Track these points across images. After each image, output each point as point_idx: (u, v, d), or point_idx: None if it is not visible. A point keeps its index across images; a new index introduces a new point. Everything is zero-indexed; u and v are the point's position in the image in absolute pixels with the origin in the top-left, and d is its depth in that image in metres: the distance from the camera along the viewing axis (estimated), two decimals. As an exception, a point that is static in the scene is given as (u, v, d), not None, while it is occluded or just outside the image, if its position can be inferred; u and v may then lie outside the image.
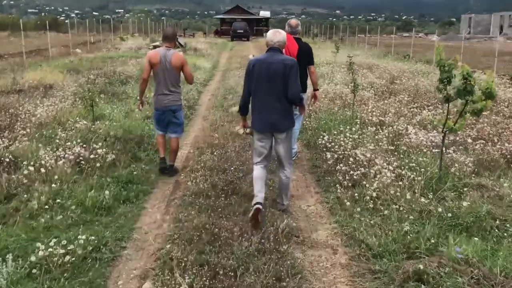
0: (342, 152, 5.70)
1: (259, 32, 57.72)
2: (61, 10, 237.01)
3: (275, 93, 4.07)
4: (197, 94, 11.39)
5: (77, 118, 7.34)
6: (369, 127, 6.74)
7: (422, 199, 4.25)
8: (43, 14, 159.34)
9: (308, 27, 50.30)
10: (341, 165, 5.27)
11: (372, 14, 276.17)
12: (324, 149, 6.03)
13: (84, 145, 5.81)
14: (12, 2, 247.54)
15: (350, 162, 5.29)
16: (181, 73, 5.59)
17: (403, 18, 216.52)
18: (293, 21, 5.78)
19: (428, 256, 3.42)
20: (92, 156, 5.51)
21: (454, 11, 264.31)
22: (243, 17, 57.06)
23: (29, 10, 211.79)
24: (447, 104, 4.75)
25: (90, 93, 7.70)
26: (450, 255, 3.29)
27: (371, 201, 4.40)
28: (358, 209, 4.34)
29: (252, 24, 55.92)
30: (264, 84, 4.09)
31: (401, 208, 4.19)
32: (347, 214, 4.34)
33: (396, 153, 5.65)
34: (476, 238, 3.62)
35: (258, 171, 4.27)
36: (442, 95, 4.57)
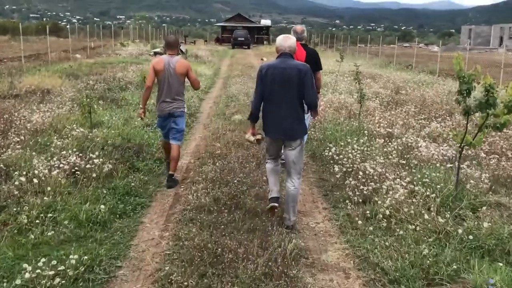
0: (351, 165, 5.44)
1: (259, 40, 57.74)
2: (62, 15, 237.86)
3: (289, 99, 3.99)
4: (199, 101, 11.15)
5: (74, 125, 7.07)
6: (377, 139, 6.49)
7: (439, 219, 3.98)
8: (44, 19, 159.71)
9: (309, 36, 50.22)
10: (350, 179, 5.00)
11: (372, 24, 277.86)
12: (331, 162, 5.76)
13: (80, 154, 5.54)
14: (14, 7, 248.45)
15: (359, 176, 5.03)
16: (186, 80, 5.49)
17: (402, 28, 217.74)
18: (299, 27, 5.67)
19: (450, 283, 3.15)
20: (88, 165, 5.24)
21: (453, 22, 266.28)
22: (244, 25, 57.06)
23: (31, 15, 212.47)
24: (465, 117, 4.47)
25: (88, 99, 7.45)
26: (475, 283, 3.01)
27: (384, 220, 4.13)
28: (371, 228, 4.07)
29: (253, 32, 55.90)
30: (277, 90, 3.99)
31: (417, 228, 3.92)
32: (358, 234, 4.06)
33: (407, 167, 5.39)
34: (500, 264, 3.34)
35: (270, 165, 4.35)
36: (461, 107, 4.30)
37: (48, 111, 8.07)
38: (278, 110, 4.03)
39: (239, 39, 46.03)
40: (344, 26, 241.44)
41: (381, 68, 19.38)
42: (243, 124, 8.24)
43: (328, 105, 8.84)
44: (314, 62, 5.35)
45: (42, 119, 7.36)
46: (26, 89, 10.62)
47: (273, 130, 4.11)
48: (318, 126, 7.59)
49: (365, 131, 6.85)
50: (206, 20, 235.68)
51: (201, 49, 31.50)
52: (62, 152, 5.53)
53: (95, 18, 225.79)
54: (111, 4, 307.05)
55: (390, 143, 6.28)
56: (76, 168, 5.17)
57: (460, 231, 3.75)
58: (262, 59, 14.02)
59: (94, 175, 5.10)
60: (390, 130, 6.99)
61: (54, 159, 5.29)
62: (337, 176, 5.27)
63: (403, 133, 6.91)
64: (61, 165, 5.09)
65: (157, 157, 6.27)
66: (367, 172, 5.12)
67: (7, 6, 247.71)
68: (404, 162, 5.47)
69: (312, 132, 7.29)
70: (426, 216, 3.95)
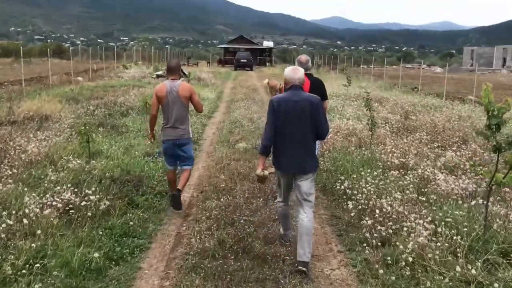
0: (365, 202, 5.06)
1: (262, 62, 57.91)
2: (66, 37, 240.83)
3: (302, 132, 3.96)
4: (201, 127, 10.84)
5: (71, 155, 6.74)
6: (391, 171, 6.12)
7: (470, 268, 3.58)
8: (48, 40, 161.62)
9: (312, 58, 50.30)
10: (366, 218, 4.62)
11: (373, 45, 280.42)
12: (344, 197, 5.39)
13: (76, 190, 5.18)
14: (19, 29, 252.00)
15: (376, 215, 4.64)
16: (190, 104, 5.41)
17: (403, 49, 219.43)
18: (303, 57, 5.60)
19: None
20: (83, 203, 4.87)
21: (453, 43, 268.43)
22: (246, 47, 57.37)
23: (36, 37, 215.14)
24: (495, 154, 4.10)
25: (86, 128, 7.14)
26: None
27: (407, 267, 3.73)
28: (393, 277, 3.67)
29: (256, 54, 56.13)
30: (290, 124, 3.95)
31: (445, 279, 3.51)
32: (379, 284, 3.66)
33: (426, 204, 5.00)
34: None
35: (282, 208, 4.35)
36: (491, 143, 3.95)
37: (45, 140, 7.75)
38: (290, 143, 3.97)
39: (241, 60, 46.11)
40: (346, 47, 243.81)
41: (386, 91, 19.13)
42: (248, 152, 7.91)
43: (337, 132, 8.49)
44: (319, 92, 5.11)
45: (38, 148, 7.02)
46: (24, 115, 10.34)
47: (285, 164, 4.03)
48: (328, 156, 7.23)
49: (379, 162, 6.47)
50: (209, 42, 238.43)
51: (203, 71, 31.42)
52: (56, 188, 5.17)
53: (98, 40, 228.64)
54: (114, 26, 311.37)
55: (405, 176, 5.92)
56: (70, 205, 4.80)
57: (496, 285, 3.34)
58: (267, 82, 13.75)
59: (89, 213, 4.73)
60: (404, 161, 6.62)
61: (47, 195, 4.93)
62: (352, 214, 4.88)
63: (417, 163, 6.54)
64: (54, 203, 4.73)
65: (158, 190, 5.91)
66: (384, 209, 4.74)
67: (12, 28, 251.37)
68: (423, 198, 5.07)
69: (321, 162, 6.92)
70: (457, 268, 3.54)
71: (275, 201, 4.84)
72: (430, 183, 5.68)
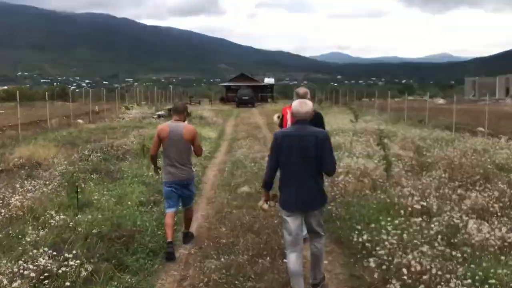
0: (389, 258, 4.36)
1: (264, 98, 58.00)
2: (72, 80, 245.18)
3: (308, 169, 3.80)
4: (202, 169, 10.23)
5: (56, 209, 6.12)
6: (413, 218, 5.43)
7: None
8: (55, 84, 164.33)
9: (313, 93, 50.41)
10: (393, 281, 3.91)
11: (372, 78, 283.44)
12: (364, 252, 4.68)
13: (55, 252, 4.52)
14: (26, 73, 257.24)
15: (404, 276, 3.94)
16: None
17: (403, 81, 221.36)
18: (302, 90, 5.32)
19: None
20: (62, 269, 4.21)
21: (452, 74, 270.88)
22: (248, 84, 57.63)
23: (42, 81, 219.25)
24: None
25: (75, 178, 6.55)
26: None
27: None
28: None
29: (257, 91, 56.27)
30: (295, 160, 3.79)
31: None
32: None
33: (461, 259, 4.30)
34: None
35: (295, 264, 3.84)
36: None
37: (32, 190, 7.15)
38: (296, 180, 3.82)
39: (243, 98, 46.12)
40: (346, 81, 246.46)
41: (392, 124, 18.57)
42: (251, 198, 7.26)
43: (347, 173, 7.85)
44: (318, 126, 4.62)
45: (21, 201, 6.41)
46: (14, 162, 9.79)
47: (292, 202, 3.85)
48: (340, 201, 6.56)
49: (398, 208, 5.79)
50: (211, 80, 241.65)
51: (205, 110, 31.18)
52: (33, 251, 4.51)
53: (104, 82, 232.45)
54: (120, 68, 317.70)
55: (430, 223, 5.24)
56: (46, 273, 4.13)
57: None
58: (278, 117, 13.16)
59: (67, 283, 4.05)
60: (425, 204, 5.94)
61: (21, 261, 4.27)
62: (375, 275, 4.17)
63: (441, 207, 5.85)
64: (26, 272, 4.06)
65: (150, 248, 5.23)
66: (412, 269, 4.04)
67: (20, 73, 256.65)
68: (457, 253, 4.36)
69: (333, 208, 6.25)
70: None
71: (285, 260, 4.24)
72: (459, 232, 4.99)
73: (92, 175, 8.60)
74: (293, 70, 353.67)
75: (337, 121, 17.77)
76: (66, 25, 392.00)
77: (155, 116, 23.61)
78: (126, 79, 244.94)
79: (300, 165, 3.78)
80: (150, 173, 8.77)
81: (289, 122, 5.18)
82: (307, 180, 3.80)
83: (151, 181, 8.35)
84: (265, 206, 4.15)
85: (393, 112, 26.42)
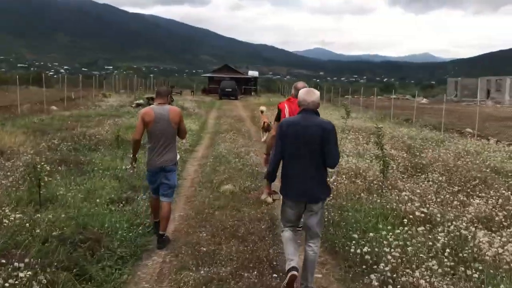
0: (394, 275, 3.81)
1: (247, 91, 57.24)
2: (50, 65, 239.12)
3: (312, 159, 3.70)
4: (182, 163, 9.53)
5: (15, 205, 5.39)
6: (414, 226, 4.90)
7: None
8: (32, 69, 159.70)
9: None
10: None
11: (354, 76, 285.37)
12: (363, 266, 4.12)
13: (3, 260, 3.81)
14: (2, 57, 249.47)
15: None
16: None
17: (384, 80, 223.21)
18: (300, 84, 5.20)
19: None
20: (10, 281, 3.51)
21: (432, 74, 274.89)
22: (231, 76, 56.72)
23: (19, 65, 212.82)
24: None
25: (36, 169, 5.80)
26: None
27: None
28: None
29: (240, 84, 55.42)
30: (300, 149, 3.71)
31: None
32: None
33: (474, 277, 3.77)
34: None
35: (288, 233, 3.88)
36: None
37: (-11, 183, 6.37)
38: (300, 170, 3.72)
39: (226, 90, 45.26)
40: (328, 78, 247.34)
41: (378, 122, 18.14)
42: (236, 197, 6.64)
43: (338, 172, 7.30)
44: None
45: (-27, 197, 5.63)
46: (-26, 151, 8.92)
47: (294, 192, 3.77)
48: (332, 203, 6.00)
49: (397, 214, 5.25)
50: (194, 71, 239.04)
51: (187, 100, 30.33)
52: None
53: (83, 69, 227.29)
54: (99, 54, 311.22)
55: (433, 232, 4.72)
56: (-12, 289, 3.43)
57: None
58: (262, 112, 12.59)
59: (14, 300, 3.36)
60: (426, 211, 5.42)
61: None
62: (378, 295, 3.61)
63: (444, 215, 5.34)
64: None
65: (119, 254, 4.55)
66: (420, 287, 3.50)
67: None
68: (469, 271, 3.84)
69: (326, 212, 5.68)
70: None
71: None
72: (467, 244, 4.47)
73: (59, 167, 7.84)
74: (277, 64, 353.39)
75: (323, 117, 17.25)
76: (46, 10, 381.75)
77: (133, 105, 22.70)
78: (106, 67, 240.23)
79: (304, 155, 3.68)
80: (124, 166, 8.08)
81: (287, 117, 4.93)
82: (311, 171, 3.70)
83: (125, 175, 7.64)
84: (269, 199, 4.06)
85: (378, 110, 26.10)
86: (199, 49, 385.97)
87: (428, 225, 4.97)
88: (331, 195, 6.22)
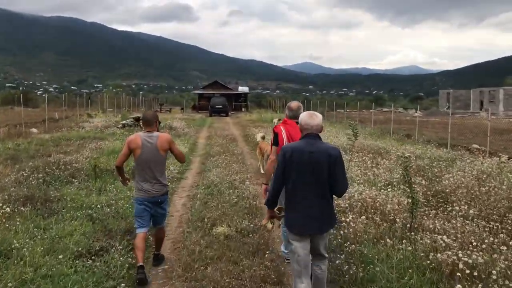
0: None
1: (238, 107, 56.38)
2: (39, 84, 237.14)
3: (318, 188, 3.47)
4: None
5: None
6: (460, 284, 3.82)
7: None
8: (20, 88, 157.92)
9: (285, 102, 49.19)
10: None
11: (344, 89, 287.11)
12: None
13: None
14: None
15: None
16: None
17: (374, 92, 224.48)
18: (294, 104, 5.07)
19: None
20: None
21: (421, 86, 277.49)
22: (221, 92, 55.86)
23: (8, 85, 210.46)
24: None
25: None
26: None
27: None
28: None
29: (231, 99, 54.58)
30: (305, 178, 3.47)
31: None
32: None
33: None
34: None
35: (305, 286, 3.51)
36: None
37: None
38: (306, 201, 3.49)
39: (216, 106, 44.32)
40: (318, 91, 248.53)
41: (379, 139, 17.19)
42: (232, 243, 5.52)
43: (353, 208, 6.22)
44: None
45: None
46: None
47: (301, 224, 3.51)
48: (350, 250, 4.89)
49: (435, 268, 4.16)
50: (183, 87, 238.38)
51: (176, 119, 29.20)
52: None
53: (72, 87, 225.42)
54: (88, 72, 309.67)
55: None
56: None
57: None
58: (263, 138, 11.50)
59: None
60: (468, 260, 4.34)
61: None
62: None
63: (492, 264, 4.27)
64: None
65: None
66: None
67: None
68: None
69: (344, 263, 4.57)
70: None
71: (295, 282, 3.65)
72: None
73: (23, 207, 6.66)
74: (266, 79, 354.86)
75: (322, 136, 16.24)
76: (34, 28, 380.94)
77: (119, 126, 21.53)
78: (96, 85, 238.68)
79: (310, 185, 3.48)
80: (100, 204, 6.94)
81: (285, 142, 4.66)
82: (318, 201, 3.49)
83: (100, 215, 6.49)
84: (269, 225, 3.84)
85: (372, 125, 25.20)
86: (188, 65, 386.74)
87: (478, 283, 3.89)
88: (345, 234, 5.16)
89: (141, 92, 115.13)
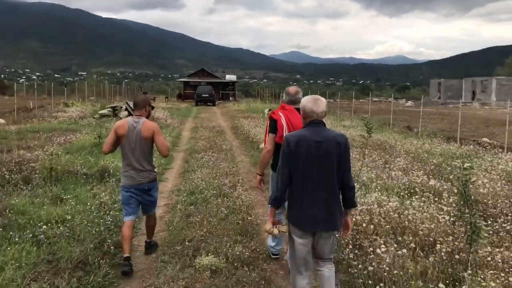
0: None
1: (225, 96, 54.73)
2: (21, 72, 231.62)
3: (326, 181, 3.18)
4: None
5: None
6: None
7: None
8: (2, 76, 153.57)
9: (277, 92, 47.80)
10: None
11: (331, 78, 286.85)
12: None
13: None
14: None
15: None
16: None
17: (360, 82, 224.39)
18: (292, 88, 4.63)
19: None
20: None
21: (407, 76, 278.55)
22: (208, 80, 54.06)
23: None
24: None
25: None
26: None
27: None
28: None
29: (218, 88, 52.84)
30: (313, 170, 3.17)
31: None
32: None
33: None
34: None
35: (304, 282, 3.31)
36: None
37: None
38: (313, 194, 3.18)
39: (203, 95, 42.61)
40: (305, 81, 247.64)
41: (379, 132, 15.89)
42: (221, 281, 4.10)
43: (373, 227, 4.84)
44: None
45: None
46: None
47: (307, 220, 3.21)
48: (371, 284, 3.52)
49: None
50: (169, 76, 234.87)
51: (159, 109, 27.52)
52: None
53: (55, 75, 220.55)
54: (72, 60, 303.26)
55: None
56: None
57: None
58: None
59: None
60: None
61: None
62: None
63: None
64: None
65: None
66: None
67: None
68: None
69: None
70: None
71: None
72: None
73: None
74: (253, 68, 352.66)
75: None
76: (16, 14, 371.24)
77: (96, 116, 19.85)
78: (80, 73, 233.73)
79: (318, 177, 3.17)
80: (52, 221, 5.45)
81: (285, 131, 4.26)
82: (326, 195, 3.18)
83: (50, 235, 5.01)
84: (275, 231, 3.37)
85: (364, 114, 23.84)
86: (174, 53, 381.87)
87: None
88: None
89: (125, 80, 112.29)
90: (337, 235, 3.52)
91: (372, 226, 4.86)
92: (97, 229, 5.16)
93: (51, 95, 29.51)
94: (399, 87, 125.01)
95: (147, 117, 4.69)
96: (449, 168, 8.07)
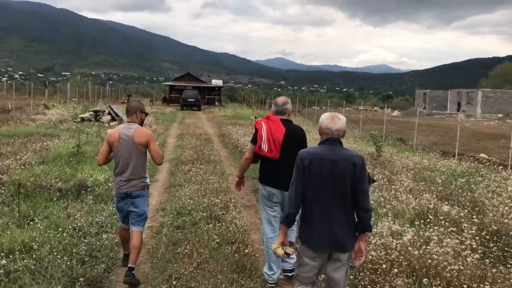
0: None
1: (211, 101, 53.95)
2: (4, 70, 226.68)
3: (341, 200, 3.09)
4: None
5: None
6: None
7: None
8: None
9: (263, 98, 47.26)
10: None
11: (315, 85, 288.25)
12: None
13: None
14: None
15: None
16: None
17: (344, 90, 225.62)
18: (280, 99, 4.49)
19: None
20: None
21: (390, 85, 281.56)
22: (194, 85, 53.21)
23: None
24: None
25: None
26: None
27: None
28: None
29: (204, 93, 52.05)
30: (326, 189, 3.08)
31: None
32: None
33: None
34: None
35: None
36: None
37: None
38: (326, 214, 3.09)
39: (188, 100, 41.76)
40: (289, 87, 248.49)
41: (371, 145, 15.33)
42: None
43: (372, 251, 4.19)
44: (295, 145, 4.01)
45: None
46: None
47: (319, 240, 3.09)
48: None
49: None
50: (154, 78, 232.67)
51: (144, 113, 26.55)
52: None
53: (38, 74, 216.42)
54: (56, 60, 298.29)
55: None
56: None
57: None
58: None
59: None
60: None
61: None
62: None
63: None
64: None
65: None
66: None
67: None
68: None
69: None
70: None
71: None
72: None
73: None
74: (238, 73, 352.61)
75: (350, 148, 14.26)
76: (0, 13, 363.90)
77: (77, 119, 18.90)
78: (63, 73, 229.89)
79: (332, 196, 3.08)
80: (15, 250, 4.65)
81: (264, 142, 4.22)
82: (339, 215, 3.08)
83: (12, 270, 4.22)
84: (280, 251, 3.19)
85: (352, 123, 23.33)
86: (159, 56, 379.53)
87: None
88: None
89: (109, 82, 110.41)
90: (349, 262, 3.26)
91: (389, 264, 4.21)
92: (68, 263, 4.38)
93: (31, 95, 28.35)
94: (383, 96, 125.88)
95: (141, 124, 4.56)
96: (459, 190, 7.49)
